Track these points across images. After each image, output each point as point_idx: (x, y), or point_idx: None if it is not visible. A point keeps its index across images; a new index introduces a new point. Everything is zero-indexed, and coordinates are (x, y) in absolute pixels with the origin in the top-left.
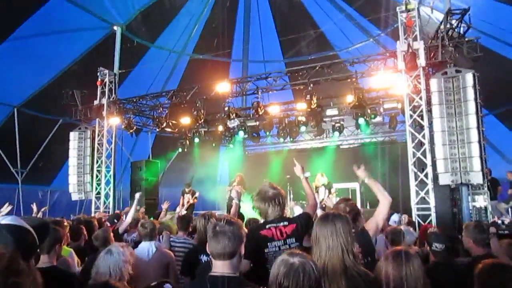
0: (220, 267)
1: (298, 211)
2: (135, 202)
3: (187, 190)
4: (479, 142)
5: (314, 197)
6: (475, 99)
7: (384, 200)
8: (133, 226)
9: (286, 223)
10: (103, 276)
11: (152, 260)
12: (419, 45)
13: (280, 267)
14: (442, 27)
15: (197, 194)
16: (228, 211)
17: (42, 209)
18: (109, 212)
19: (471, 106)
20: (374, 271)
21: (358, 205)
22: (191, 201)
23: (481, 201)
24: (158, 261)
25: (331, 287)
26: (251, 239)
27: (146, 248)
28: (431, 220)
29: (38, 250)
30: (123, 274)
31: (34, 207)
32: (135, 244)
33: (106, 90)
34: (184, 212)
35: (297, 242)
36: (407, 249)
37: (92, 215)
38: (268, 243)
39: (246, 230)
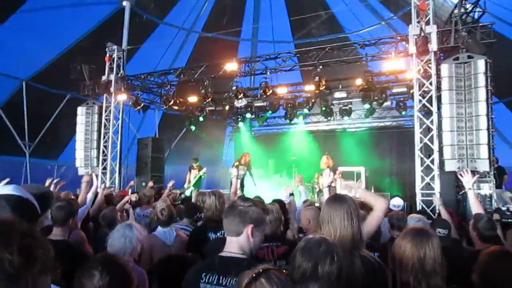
0: (230, 246)
1: (302, 192)
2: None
3: (194, 165)
4: (488, 129)
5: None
6: (486, 86)
7: (383, 204)
8: (146, 202)
9: (279, 243)
10: (116, 251)
11: (175, 245)
12: (432, 29)
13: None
14: (456, 11)
15: (204, 169)
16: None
17: (54, 181)
18: (115, 188)
19: (482, 93)
20: (392, 248)
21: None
22: (201, 173)
23: (487, 189)
24: (180, 246)
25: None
26: None
27: (167, 232)
28: (435, 206)
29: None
30: (133, 252)
31: (48, 182)
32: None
33: (114, 66)
34: (191, 187)
35: (288, 265)
36: (427, 228)
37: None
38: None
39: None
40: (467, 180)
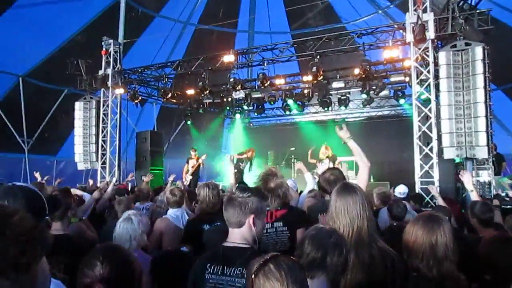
0: (233, 236)
1: (309, 180)
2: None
3: (193, 155)
4: (486, 116)
5: (363, 157)
6: (484, 73)
7: (364, 166)
8: (146, 197)
9: (279, 208)
10: (121, 243)
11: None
12: (429, 17)
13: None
14: None
15: (203, 157)
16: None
17: (45, 178)
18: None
19: (480, 80)
20: (403, 235)
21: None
22: (200, 162)
23: (485, 176)
24: None
25: (356, 258)
26: None
27: (179, 214)
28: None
29: (49, 218)
30: (139, 243)
31: (38, 175)
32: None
33: (111, 60)
34: (189, 177)
35: (285, 226)
36: (438, 213)
37: (98, 184)
38: None
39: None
40: (467, 181)
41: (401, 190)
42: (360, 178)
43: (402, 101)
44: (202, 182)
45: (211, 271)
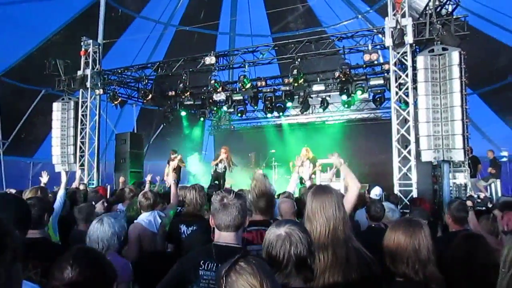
0: (225, 238)
1: (292, 181)
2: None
3: (172, 157)
4: (462, 120)
5: (355, 180)
6: (460, 78)
7: (355, 188)
8: (127, 199)
9: (267, 228)
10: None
11: (160, 233)
12: (407, 22)
13: (268, 238)
14: (430, 4)
15: (179, 157)
16: (213, 181)
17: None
18: (93, 184)
19: (456, 85)
20: (383, 240)
21: (342, 181)
22: (180, 164)
23: (462, 178)
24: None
25: (334, 256)
26: None
27: (151, 219)
28: (412, 196)
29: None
30: (111, 246)
31: (44, 177)
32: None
33: (90, 60)
34: (171, 177)
35: None
36: (416, 218)
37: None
38: (248, 246)
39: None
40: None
41: (376, 192)
42: (349, 198)
43: (381, 104)
44: (183, 184)
45: (205, 268)
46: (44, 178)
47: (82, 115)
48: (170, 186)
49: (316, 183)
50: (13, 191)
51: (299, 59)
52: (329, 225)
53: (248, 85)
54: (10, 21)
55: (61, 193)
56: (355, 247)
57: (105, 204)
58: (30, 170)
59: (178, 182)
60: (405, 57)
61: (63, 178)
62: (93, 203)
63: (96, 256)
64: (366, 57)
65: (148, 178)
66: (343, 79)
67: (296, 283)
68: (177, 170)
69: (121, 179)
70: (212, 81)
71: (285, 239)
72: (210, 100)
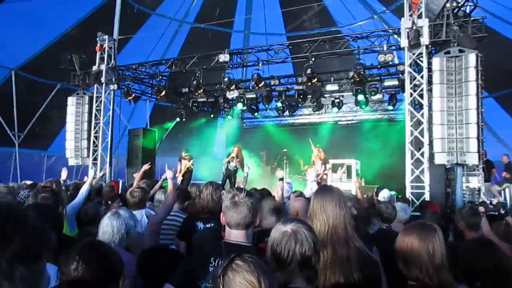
0: (235, 236)
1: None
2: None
3: (184, 155)
4: (477, 123)
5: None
6: (476, 80)
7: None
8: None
9: None
10: (106, 238)
11: (147, 233)
12: (424, 23)
13: (274, 235)
14: (448, 5)
15: (192, 161)
16: (225, 179)
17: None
18: (105, 178)
19: (472, 87)
20: (395, 245)
21: (353, 182)
22: (188, 165)
23: (475, 182)
24: (153, 232)
25: (334, 255)
26: None
27: (139, 218)
28: (424, 199)
29: None
30: (122, 241)
31: (64, 173)
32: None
33: (105, 56)
34: (181, 178)
35: None
36: (429, 222)
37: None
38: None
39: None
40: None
41: (385, 194)
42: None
43: (394, 105)
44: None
45: (215, 264)
46: (64, 175)
47: (96, 110)
48: (180, 183)
49: (327, 184)
50: (28, 182)
51: (313, 59)
52: (328, 222)
53: (262, 84)
54: (26, 16)
55: (85, 188)
56: (357, 246)
57: (120, 204)
58: (44, 163)
59: (188, 183)
60: (420, 59)
61: (90, 174)
62: (109, 202)
63: (104, 250)
64: (381, 58)
65: (163, 176)
66: (357, 79)
67: (298, 282)
68: (189, 171)
69: (138, 174)
70: (226, 79)
71: (290, 236)
72: (223, 98)
